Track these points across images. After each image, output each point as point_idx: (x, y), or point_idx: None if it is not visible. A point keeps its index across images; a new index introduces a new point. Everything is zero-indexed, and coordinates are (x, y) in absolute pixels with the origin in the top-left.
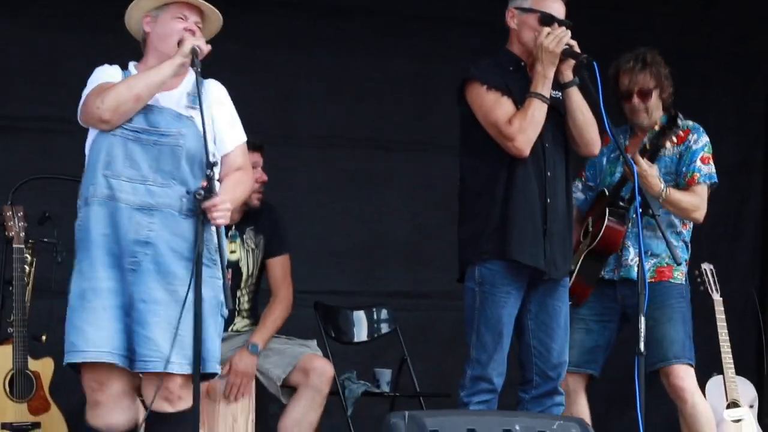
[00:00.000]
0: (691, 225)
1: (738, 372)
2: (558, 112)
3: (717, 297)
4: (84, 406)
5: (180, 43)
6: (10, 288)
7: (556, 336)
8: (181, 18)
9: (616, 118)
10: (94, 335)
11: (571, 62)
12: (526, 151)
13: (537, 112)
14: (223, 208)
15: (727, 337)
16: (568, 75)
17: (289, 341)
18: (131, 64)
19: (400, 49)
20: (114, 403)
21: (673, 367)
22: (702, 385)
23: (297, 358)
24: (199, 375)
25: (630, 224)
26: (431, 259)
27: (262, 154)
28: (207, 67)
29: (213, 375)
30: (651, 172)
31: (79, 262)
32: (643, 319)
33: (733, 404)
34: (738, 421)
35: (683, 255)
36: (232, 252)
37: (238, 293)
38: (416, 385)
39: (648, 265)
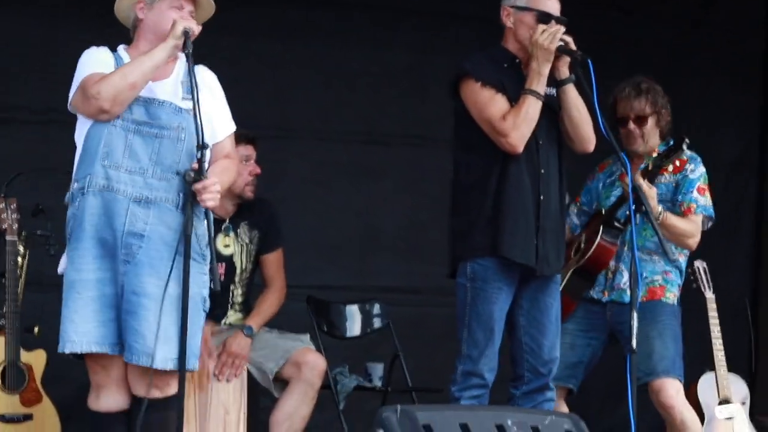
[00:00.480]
0: (687, 254)
1: (730, 369)
2: (552, 109)
3: (710, 294)
4: (75, 398)
5: (172, 26)
6: (3, 280)
7: (547, 332)
8: (178, 8)
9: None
10: (84, 326)
11: (567, 59)
12: (520, 147)
13: (531, 109)
14: (214, 189)
15: (720, 335)
16: (564, 72)
17: (282, 335)
18: (121, 47)
19: (394, 42)
20: (116, 385)
21: (662, 382)
22: (694, 382)
23: (290, 352)
24: (185, 367)
25: (626, 247)
26: (425, 254)
27: (255, 147)
28: (202, 59)
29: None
30: (650, 194)
31: (71, 252)
32: (635, 316)
33: (725, 401)
34: (730, 418)
35: (676, 280)
36: (226, 246)
37: (232, 287)
38: (408, 379)
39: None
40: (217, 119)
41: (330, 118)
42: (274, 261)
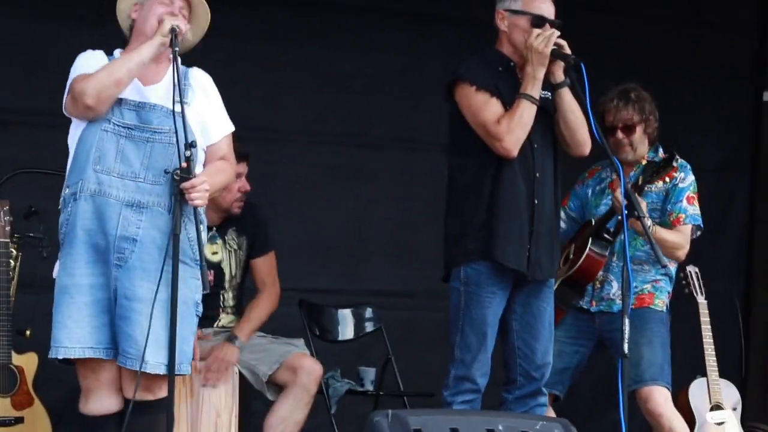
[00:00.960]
0: (676, 263)
1: (721, 374)
2: (547, 112)
3: (702, 300)
4: (67, 400)
5: (159, 23)
6: None
7: (540, 337)
8: (166, 3)
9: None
10: (78, 331)
11: (562, 63)
12: (514, 151)
13: (526, 113)
14: (202, 188)
15: (711, 340)
16: (559, 75)
17: (275, 340)
18: (117, 51)
19: (387, 44)
20: (107, 389)
21: (650, 390)
22: (685, 387)
23: (284, 356)
24: (174, 371)
25: (615, 257)
26: (417, 258)
27: (248, 164)
28: (195, 61)
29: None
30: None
31: (63, 257)
32: (627, 321)
33: (716, 407)
34: (721, 423)
35: (666, 287)
36: (214, 253)
37: (222, 292)
38: (400, 384)
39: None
40: (212, 121)
41: (323, 120)
42: (264, 265)
